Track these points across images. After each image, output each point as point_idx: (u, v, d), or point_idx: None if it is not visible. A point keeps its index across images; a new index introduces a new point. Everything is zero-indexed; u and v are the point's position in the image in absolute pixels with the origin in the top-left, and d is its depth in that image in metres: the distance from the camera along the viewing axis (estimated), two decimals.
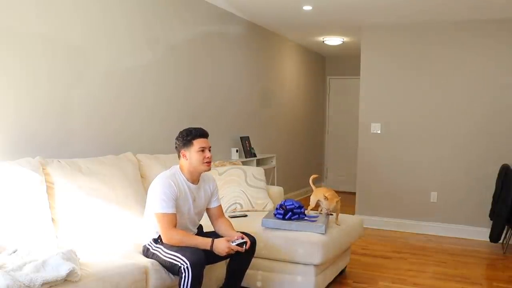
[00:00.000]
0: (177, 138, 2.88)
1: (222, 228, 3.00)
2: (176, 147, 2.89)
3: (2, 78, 2.83)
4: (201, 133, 2.85)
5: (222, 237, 2.86)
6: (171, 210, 2.69)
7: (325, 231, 3.28)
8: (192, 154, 2.81)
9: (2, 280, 1.97)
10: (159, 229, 2.71)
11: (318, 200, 3.63)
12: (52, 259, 2.22)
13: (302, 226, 3.31)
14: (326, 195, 3.51)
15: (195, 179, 2.90)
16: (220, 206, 3.09)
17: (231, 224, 3.04)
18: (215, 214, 3.06)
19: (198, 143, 2.82)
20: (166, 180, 2.76)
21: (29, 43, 2.98)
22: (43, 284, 2.07)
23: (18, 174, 2.60)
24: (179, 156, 2.88)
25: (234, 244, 2.67)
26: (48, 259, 2.21)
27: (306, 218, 3.42)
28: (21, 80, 2.94)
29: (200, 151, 2.81)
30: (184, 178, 2.85)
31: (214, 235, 2.90)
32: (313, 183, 3.86)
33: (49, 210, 2.70)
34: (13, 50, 2.88)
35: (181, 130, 2.90)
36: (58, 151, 3.17)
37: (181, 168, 2.88)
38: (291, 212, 3.40)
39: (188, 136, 2.82)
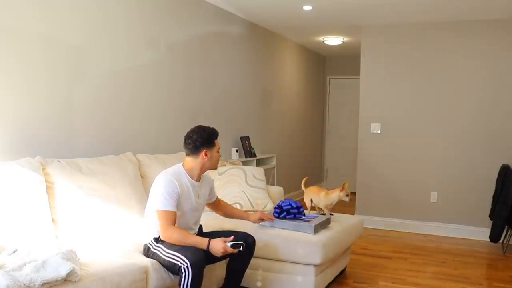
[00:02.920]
0: (195, 136, 2.82)
1: (227, 209, 3.29)
2: (192, 145, 2.82)
3: (2, 78, 2.82)
4: (218, 134, 2.93)
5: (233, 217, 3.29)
6: (171, 208, 2.70)
7: (315, 231, 3.26)
8: (214, 154, 2.88)
9: (2, 280, 1.97)
10: (159, 226, 2.71)
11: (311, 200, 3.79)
12: (52, 259, 2.21)
13: (293, 226, 3.32)
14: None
15: (198, 177, 2.91)
16: (217, 197, 3.25)
17: (230, 205, 3.37)
18: (216, 203, 3.23)
19: (217, 143, 2.91)
20: (170, 177, 2.76)
21: (29, 43, 2.98)
22: (43, 284, 2.07)
23: (18, 174, 2.60)
24: (191, 154, 2.85)
25: (230, 244, 2.66)
26: (48, 259, 2.21)
27: (303, 218, 3.44)
28: (21, 80, 2.94)
29: (218, 151, 2.92)
30: (188, 175, 2.86)
31: (213, 235, 2.90)
32: (305, 185, 3.93)
33: (49, 210, 2.70)
34: (13, 50, 2.88)
35: (195, 128, 2.87)
36: (58, 151, 3.17)
37: (185, 166, 2.88)
38: (286, 212, 3.42)
39: (211, 136, 2.86)
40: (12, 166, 2.61)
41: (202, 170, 2.90)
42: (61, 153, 3.17)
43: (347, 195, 3.62)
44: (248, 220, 3.32)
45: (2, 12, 2.80)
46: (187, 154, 2.88)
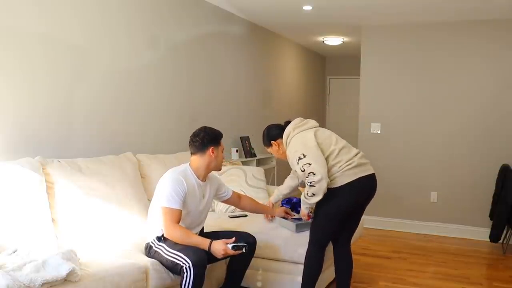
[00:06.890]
0: (202, 134, 2.87)
1: (247, 204, 3.31)
2: (199, 142, 2.86)
3: (2, 78, 2.82)
4: (222, 135, 2.99)
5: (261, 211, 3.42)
6: (177, 206, 2.70)
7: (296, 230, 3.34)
8: (219, 153, 2.93)
9: (2, 280, 1.97)
10: (163, 223, 2.71)
11: None
12: (52, 259, 2.21)
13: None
14: None
15: (204, 177, 2.92)
16: (233, 191, 3.24)
17: (253, 199, 3.39)
18: (235, 198, 3.24)
19: (222, 144, 2.97)
20: (177, 176, 2.77)
21: (29, 43, 2.98)
22: (43, 284, 2.07)
23: (18, 174, 2.60)
24: (198, 152, 2.87)
25: (231, 246, 2.66)
26: (48, 259, 2.21)
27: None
28: (20, 80, 2.94)
29: (222, 151, 2.96)
30: (194, 175, 2.86)
31: (214, 235, 2.91)
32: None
33: (49, 210, 2.70)
34: (13, 50, 2.88)
35: (201, 127, 2.92)
36: (58, 151, 3.17)
37: (192, 165, 2.89)
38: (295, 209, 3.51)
39: (217, 135, 2.93)
40: (12, 166, 2.61)
41: (208, 169, 2.91)
42: (61, 153, 3.17)
43: None
44: (273, 214, 3.48)
45: (2, 12, 2.80)
46: (193, 153, 2.89)
